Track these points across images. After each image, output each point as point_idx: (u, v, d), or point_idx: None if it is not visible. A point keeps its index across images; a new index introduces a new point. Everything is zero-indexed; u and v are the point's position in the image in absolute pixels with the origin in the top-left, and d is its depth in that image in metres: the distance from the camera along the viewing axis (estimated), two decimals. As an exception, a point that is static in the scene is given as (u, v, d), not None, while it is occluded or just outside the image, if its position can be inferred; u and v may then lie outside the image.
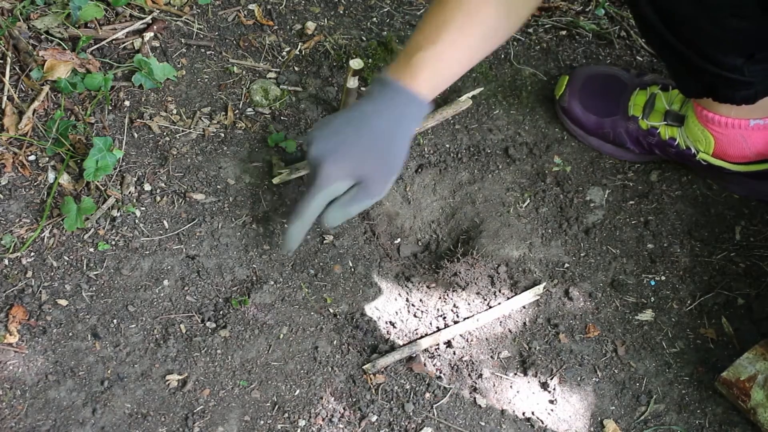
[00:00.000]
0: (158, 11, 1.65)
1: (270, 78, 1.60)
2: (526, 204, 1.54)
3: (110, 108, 1.52)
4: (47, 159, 1.46)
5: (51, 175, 1.45)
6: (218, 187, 1.48)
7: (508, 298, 1.43)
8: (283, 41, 1.65)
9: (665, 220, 1.52)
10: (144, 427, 1.27)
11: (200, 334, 1.35)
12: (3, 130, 1.47)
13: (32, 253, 1.38)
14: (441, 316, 1.41)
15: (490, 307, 1.42)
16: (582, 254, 1.49)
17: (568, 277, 1.46)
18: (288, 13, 1.69)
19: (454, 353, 1.38)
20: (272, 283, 1.40)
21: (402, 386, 1.34)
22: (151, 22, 1.63)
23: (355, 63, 1.42)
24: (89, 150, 1.40)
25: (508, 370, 1.37)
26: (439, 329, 1.40)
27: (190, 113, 1.55)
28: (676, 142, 1.49)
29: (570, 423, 1.33)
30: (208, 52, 1.62)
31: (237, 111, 1.56)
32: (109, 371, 1.31)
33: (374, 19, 1.71)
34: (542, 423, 1.33)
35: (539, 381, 1.36)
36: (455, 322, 1.40)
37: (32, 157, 1.46)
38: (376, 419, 1.31)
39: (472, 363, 1.37)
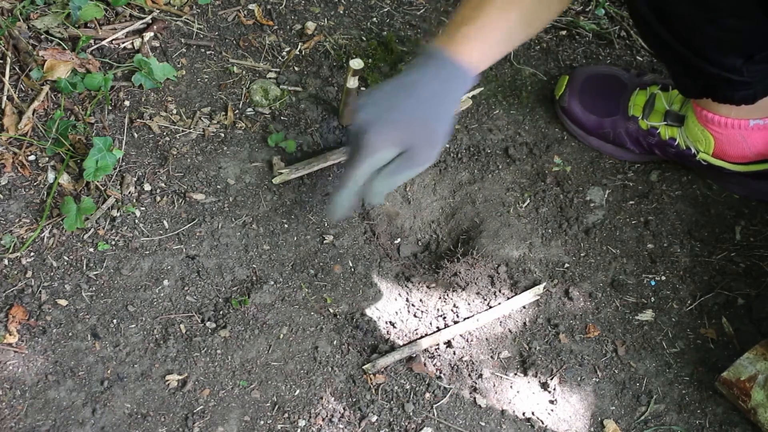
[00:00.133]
0: (158, 11, 1.65)
1: (270, 78, 1.60)
2: (526, 204, 1.54)
3: (110, 108, 1.52)
4: (47, 159, 1.46)
5: (51, 175, 1.45)
6: (218, 187, 1.48)
7: (508, 298, 1.43)
8: (283, 41, 1.65)
9: (665, 220, 1.52)
10: (144, 427, 1.27)
11: (200, 334, 1.35)
12: (3, 130, 1.47)
13: (32, 253, 1.38)
14: (441, 316, 1.41)
15: (490, 307, 1.42)
16: (582, 254, 1.49)
17: (568, 277, 1.46)
18: (288, 13, 1.69)
19: (454, 353, 1.38)
20: (272, 283, 1.40)
21: (402, 386, 1.34)
22: (151, 22, 1.63)
23: (355, 63, 1.42)
24: (89, 150, 1.40)
25: (508, 370, 1.37)
26: (439, 329, 1.40)
27: (190, 113, 1.55)
28: (676, 142, 1.49)
29: (570, 423, 1.33)
30: (208, 52, 1.62)
31: (237, 111, 1.56)
32: (109, 371, 1.31)
33: (374, 19, 1.71)
34: (542, 423, 1.33)
35: (539, 381, 1.36)
36: (455, 322, 1.40)
37: (32, 157, 1.46)
38: (376, 419, 1.31)
39: (472, 363, 1.37)
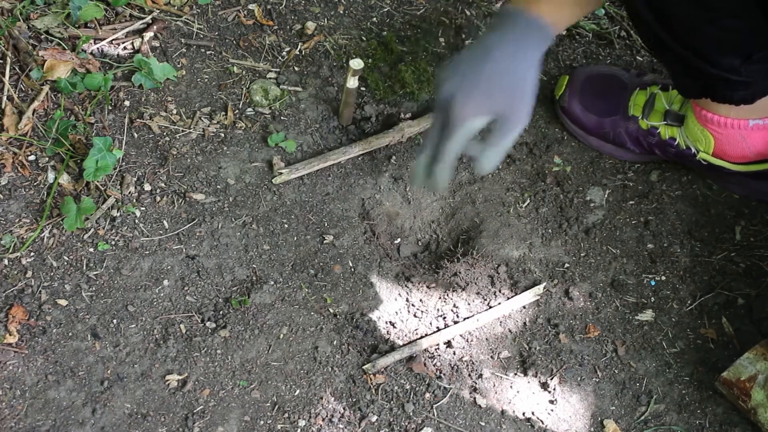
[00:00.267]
0: (158, 11, 1.65)
1: (270, 78, 1.60)
2: (526, 204, 1.54)
3: (110, 108, 1.52)
4: (47, 159, 1.46)
5: (51, 175, 1.45)
6: (218, 187, 1.48)
7: (508, 298, 1.43)
8: (283, 41, 1.65)
9: (665, 220, 1.52)
10: (144, 427, 1.27)
11: (200, 334, 1.35)
12: (3, 130, 1.47)
13: (32, 253, 1.38)
14: (441, 316, 1.41)
15: (490, 307, 1.42)
16: (582, 254, 1.49)
17: (568, 277, 1.46)
18: (288, 13, 1.69)
19: (454, 353, 1.38)
20: (272, 283, 1.40)
21: (402, 386, 1.34)
22: (151, 22, 1.63)
23: (355, 63, 1.42)
24: (89, 150, 1.40)
25: (508, 370, 1.37)
26: (439, 329, 1.40)
27: (190, 113, 1.55)
28: (676, 142, 1.49)
29: (570, 423, 1.33)
30: (208, 52, 1.62)
31: (237, 111, 1.56)
32: (109, 371, 1.31)
33: (374, 19, 1.71)
34: (542, 423, 1.33)
35: (539, 381, 1.36)
36: (455, 322, 1.40)
37: (32, 157, 1.46)
38: (376, 419, 1.31)
39: (472, 363, 1.37)
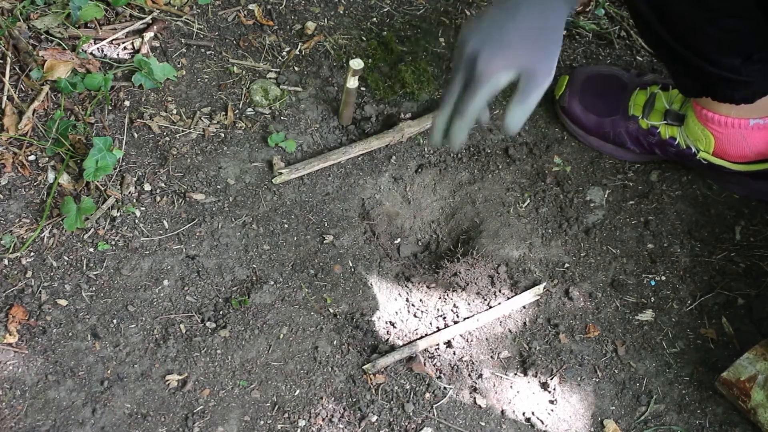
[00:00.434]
0: (158, 11, 1.65)
1: (270, 78, 1.60)
2: (526, 204, 1.54)
3: (110, 108, 1.52)
4: (47, 159, 1.46)
5: (51, 175, 1.45)
6: (218, 187, 1.48)
7: (508, 298, 1.43)
8: (283, 41, 1.65)
9: (665, 220, 1.52)
10: (144, 427, 1.27)
11: (200, 334, 1.35)
12: (3, 130, 1.47)
13: (32, 253, 1.38)
14: (441, 316, 1.41)
15: (490, 307, 1.42)
16: (582, 254, 1.49)
17: (568, 277, 1.46)
18: (288, 13, 1.69)
19: (454, 353, 1.38)
20: (272, 283, 1.40)
21: (402, 386, 1.34)
22: (151, 22, 1.63)
23: (355, 63, 1.42)
24: (89, 150, 1.40)
25: (508, 370, 1.37)
26: (439, 329, 1.40)
27: (190, 113, 1.55)
28: (677, 142, 1.49)
29: (570, 423, 1.33)
30: (208, 52, 1.62)
31: (237, 111, 1.56)
32: (109, 371, 1.31)
33: (374, 19, 1.71)
34: (542, 423, 1.33)
35: (539, 381, 1.36)
36: (455, 322, 1.40)
37: (32, 157, 1.46)
38: (376, 419, 1.31)
39: (472, 363, 1.37)
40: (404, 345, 1.37)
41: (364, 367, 1.35)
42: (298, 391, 1.33)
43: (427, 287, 1.44)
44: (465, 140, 1.21)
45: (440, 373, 1.36)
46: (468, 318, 1.40)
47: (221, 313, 1.37)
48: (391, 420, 1.31)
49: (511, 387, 1.36)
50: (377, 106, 1.59)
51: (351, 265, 1.45)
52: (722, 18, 1.21)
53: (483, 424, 1.32)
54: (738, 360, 1.32)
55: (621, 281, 1.46)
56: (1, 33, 1.53)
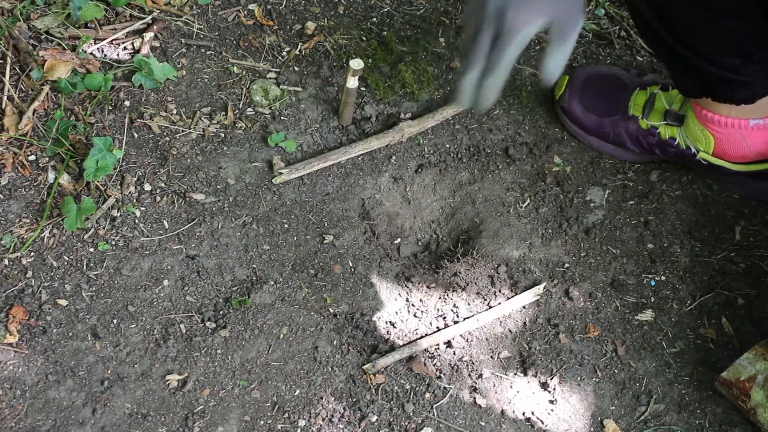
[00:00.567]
0: (158, 11, 1.65)
1: (270, 78, 1.60)
2: (526, 204, 1.54)
3: (110, 108, 1.53)
4: (47, 159, 1.46)
5: (51, 175, 1.45)
6: (218, 187, 1.48)
7: (508, 298, 1.43)
8: (283, 41, 1.65)
9: (665, 220, 1.52)
10: (144, 427, 1.27)
11: (200, 334, 1.35)
12: (3, 130, 1.47)
13: (32, 253, 1.38)
14: (441, 316, 1.41)
15: (490, 307, 1.42)
16: (582, 254, 1.49)
17: (568, 277, 1.46)
18: (288, 13, 1.69)
19: (454, 353, 1.38)
20: (272, 283, 1.40)
21: (402, 386, 1.34)
22: (151, 22, 1.63)
23: (355, 63, 1.42)
24: (89, 150, 1.40)
25: (508, 370, 1.37)
26: (439, 329, 1.40)
27: (190, 113, 1.55)
28: (676, 142, 1.49)
29: (570, 423, 1.33)
30: (208, 52, 1.62)
31: (237, 111, 1.56)
32: (109, 371, 1.31)
33: (374, 19, 1.71)
34: (542, 423, 1.33)
35: (539, 381, 1.36)
36: (455, 322, 1.40)
37: (32, 157, 1.46)
38: (376, 419, 1.31)
39: (472, 363, 1.37)
40: (404, 345, 1.37)
41: (364, 367, 1.35)
42: (298, 391, 1.33)
43: (427, 287, 1.44)
44: (496, 99, 1.16)
45: (440, 373, 1.36)
46: (468, 318, 1.40)
47: (221, 313, 1.37)
48: (391, 420, 1.31)
49: (511, 387, 1.36)
50: (377, 106, 1.59)
51: (351, 265, 1.45)
52: (722, 18, 1.21)
53: (483, 424, 1.32)
54: (738, 360, 1.32)
55: (621, 281, 1.46)
56: (1, 33, 1.53)
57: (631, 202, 1.54)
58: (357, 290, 1.43)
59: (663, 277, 1.47)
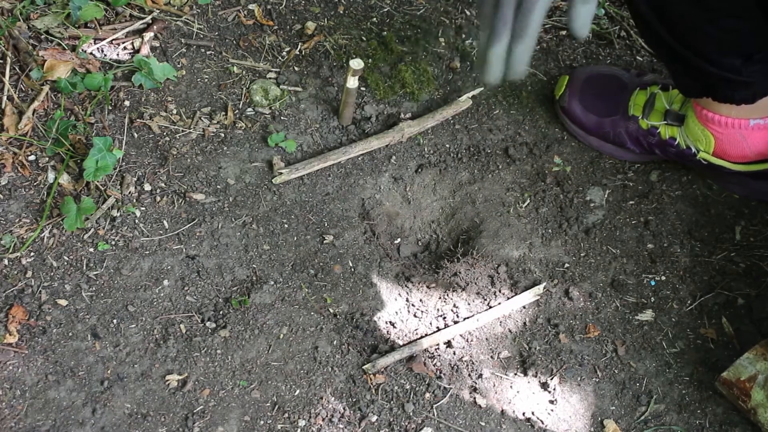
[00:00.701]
0: (158, 11, 1.65)
1: (270, 78, 1.60)
2: (526, 204, 1.54)
3: (110, 108, 1.52)
4: (47, 159, 1.46)
5: (51, 175, 1.45)
6: (218, 187, 1.48)
7: (508, 298, 1.43)
8: (283, 41, 1.65)
9: (665, 220, 1.52)
10: (144, 427, 1.27)
11: (200, 334, 1.35)
12: (3, 130, 1.47)
13: (32, 253, 1.38)
14: (441, 316, 1.41)
15: (490, 307, 1.42)
16: (582, 254, 1.49)
17: (568, 277, 1.46)
18: (288, 13, 1.69)
19: (454, 353, 1.38)
20: (272, 283, 1.40)
21: (402, 386, 1.34)
22: (151, 22, 1.63)
23: (355, 63, 1.42)
24: (89, 150, 1.40)
25: (508, 370, 1.37)
26: (439, 329, 1.40)
27: (190, 113, 1.55)
28: (676, 142, 1.49)
29: (570, 423, 1.33)
30: (208, 52, 1.62)
31: (237, 111, 1.56)
32: (109, 371, 1.31)
33: (374, 19, 1.71)
34: (542, 423, 1.33)
35: (539, 381, 1.36)
36: (455, 322, 1.40)
37: (32, 157, 1.46)
38: (376, 419, 1.31)
39: (472, 363, 1.37)
40: (404, 345, 1.37)
41: (364, 367, 1.35)
42: (298, 391, 1.33)
43: (427, 287, 1.44)
44: (527, 66, 1.10)
45: (440, 373, 1.36)
46: (468, 318, 1.40)
47: (221, 313, 1.37)
48: (391, 420, 1.31)
49: (511, 387, 1.36)
50: (377, 106, 1.59)
51: (351, 265, 1.45)
52: (722, 18, 1.21)
53: (483, 424, 1.32)
54: (738, 360, 1.32)
55: (621, 281, 1.46)
56: (1, 33, 1.53)
57: (631, 202, 1.54)
58: (357, 290, 1.43)
59: (663, 277, 1.46)
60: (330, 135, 1.56)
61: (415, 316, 1.42)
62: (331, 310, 1.40)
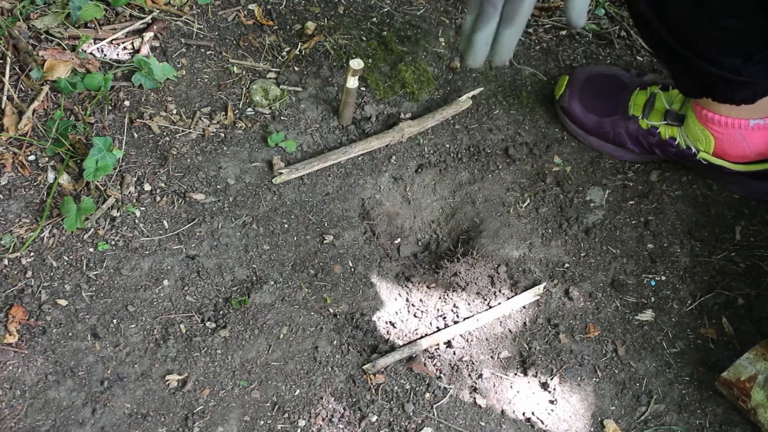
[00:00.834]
0: (158, 11, 1.65)
1: (270, 78, 1.60)
2: (526, 204, 1.54)
3: (110, 108, 1.52)
4: (47, 159, 1.46)
5: (51, 175, 1.45)
6: (218, 187, 1.48)
7: (508, 298, 1.43)
8: (283, 41, 1.65)
9: (665, 220, 1.52)
10: (144, 427, 1.27)
11: (200, 334, 1.35)
12: (3, 130, 1.47)
13: (32, 253, 1.38)
14: (441, 316, 1.41)
15: (490, 307, 1.42)
16: (582, 254, 1.49)
17: (568, 277, 1.46)
18: (288, 13, 1.69)
19: (454, 353, 1.38)
20: (272, 283, 1.40)
21: (402, 386, 1.34)
22: (151, 22, 1.63)
23: (355, 63, 1.42)
24: (89, 150, 1.40)
25: (508, 370, 1.37)
26: (439, 329, 1.40)
27: (190, 113, 1.55)
28: (676, 142, 1.49)
29: (570, 423, 1.33)
30: (208, 52, 1.62)
31: (237, 111, 1.56)
32: (109, 371, 1.31)
33: (374, 19, 1.71)
34: (542, 423, 1.33)
35: (539, 381, 1.36)
36: (455, 322, 1.40)
37: (32, 157, 1.46)
38: (376, 419, 1.31)
39: (472, 363, 1.37)
40: (404, 345, 1.37)
41: (364, 367, 1.35)
42: (298, 391, 1.33)
43: (427, 287, 1.44)
44: (512, 54, 1.11)
45: (440, 373, 1.36)
46: (468, 318, 1.40)
47: (221, 313, 1.37)
48: (391, 420, 1.31)
49: (511, 387, 1.36)
50: (377, 106, 1.59)
51: (351, 265, 1.45)
52: (722, 18, 1.21)
53: (483, 424, 1.32)
54: (738, 360, 1.32)
55: (621, 281, 1.46)
56: (1, 33, 1.53)
57: (631, 202, 1.54)
58: (357, 290, 1.43)
59: (663, 277, 1.46)
60: (330, 135, 1.56)
61: (415, 316, 1.42)
62: (331, 310, 1.40)
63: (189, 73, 1.59)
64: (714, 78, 1.31)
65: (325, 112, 1.57)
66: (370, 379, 1.34)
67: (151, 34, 1.61)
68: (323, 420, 1.31)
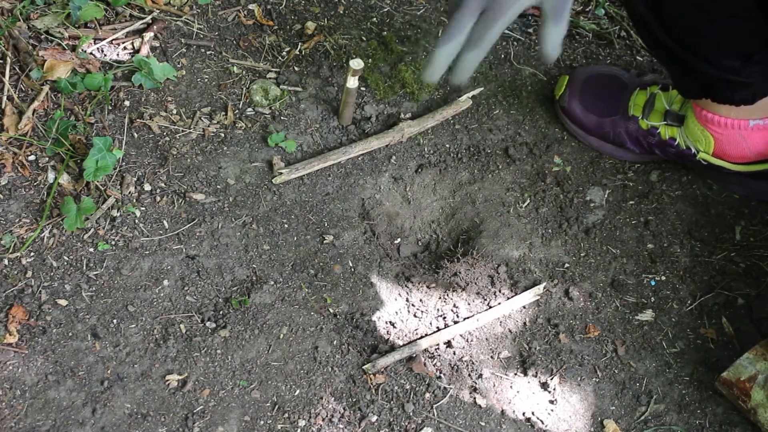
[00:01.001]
0: (158, 11, 1.65)
1: (270, 78, 1.60)
2: (526, 204, 1.54)
3: (110, 108, 1.52)
4: (47, 159, 1.46)
5: (51, 175, 1.45)
6: (218, 187, 1.48)
7: (508, 298, 1.43)
8: (283, 41, 1.65)
9: (665, 220, 1.52)
10: (144, 427, 1.27)
11: (200, 334, 1.35)
12: (3, 130, 1.47)
13: (32, 253, 1.38)
14: (441, 316, 1.41)
15: (490, 307, 1.42)
16: (582, 254, 1.49)
17: (568, 277, 1.46)
18: (288, 13, 1.69)
19: (454, 353, 1.38)
20: (272, 283, 1.40)
21: (402, 386, 1.34)
22: (151, 22, 1.63)
23: (355, 63, 1.42)
24: (89, 150, 1.40)
25: (508, 370, 1.37)
26: (439, 329, 1.40)
27: (190, 113, 1.55)
28: (676, 142, 1.49)
29: (570, 423, 1.33)
30: (208, 52, 1.62)
31: (237, 111, 1.56)
32: (109, 371, 1.31)
33: (374, 19, 1.71)
34: (542, 423, 1.33)
35: (539, 381, 1.36)
36: (455, 322, 1.40)
37: (32, 157, 1.46)
38: (376, 419, 1.31)
39: (472, 363, 1.37)
40: (404, 345, 1.37)
41: (364, 367, 1.35)
42: (298, 391, 1.33)
43: (427, 287, 1.44)
44: (472, 73, 1.11)
45: (440, 373, 1.36)
46: (468, 318, 1.40)
47: (221, 313, 1.37)
48: (391, 420, 1.31)
49: (511, 387, 1.36)
50: (377, 106, 1.59)
51: (351, 265, 1.45)
52: (722, 18, 1.21)
53: (483, 424, 1.32)
54: (738, 360, 1.32)
55: (621, 281, 1.46)
56: (1, 33, 1.53)
57: (631, 202, 1.54)
58: (357, 290, 1.43)
59: (663, 277, 1.47)
60: (330, 135, 1.56)
61: (415, 316, 1.42)
62: (331, 310, 1.40)
63: (189, 73, 1.59)
64: (713, 79, 1.31)
65: (325, 112, 1.58)
66: (370, 379, 1.34)
67: (151, 34, 1.61)
68: (323, 420, 1.31)
